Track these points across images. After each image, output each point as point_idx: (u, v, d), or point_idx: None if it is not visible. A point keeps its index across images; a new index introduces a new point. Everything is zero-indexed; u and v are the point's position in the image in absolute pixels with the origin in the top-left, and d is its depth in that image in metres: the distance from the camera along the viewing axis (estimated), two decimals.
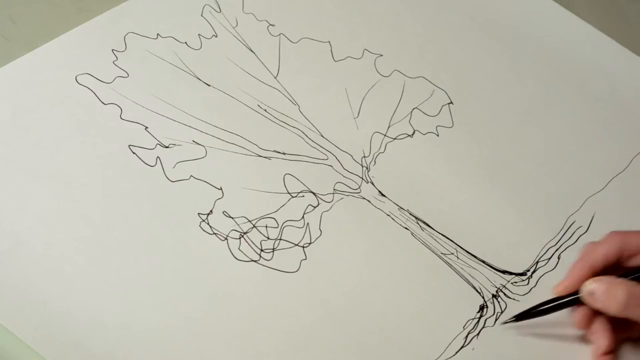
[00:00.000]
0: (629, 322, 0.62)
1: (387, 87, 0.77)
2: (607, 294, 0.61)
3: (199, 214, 0.67)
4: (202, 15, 0.78)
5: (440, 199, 0.71)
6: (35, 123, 0.69)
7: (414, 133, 0.75)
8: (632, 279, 0.62)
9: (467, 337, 0.64)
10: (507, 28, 0.84)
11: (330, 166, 0.71)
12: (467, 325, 0.65)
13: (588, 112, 0.79)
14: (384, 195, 0.70)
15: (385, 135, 0.74)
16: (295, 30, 0.79)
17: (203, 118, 0.72)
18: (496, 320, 0.65)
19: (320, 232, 0.68)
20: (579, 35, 0.84)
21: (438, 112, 0.76)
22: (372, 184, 0.71)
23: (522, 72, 0.81)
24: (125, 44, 0.75)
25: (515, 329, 0.65)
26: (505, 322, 0.65)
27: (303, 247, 0.67)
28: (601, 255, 0.63)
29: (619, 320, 0.63)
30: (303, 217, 0.68)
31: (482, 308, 0.66)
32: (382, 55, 0.79)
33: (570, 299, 0.63)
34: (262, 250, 0.66)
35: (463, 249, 0.68)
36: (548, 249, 0.70)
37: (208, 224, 0.67)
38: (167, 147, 0.70)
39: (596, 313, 0.63)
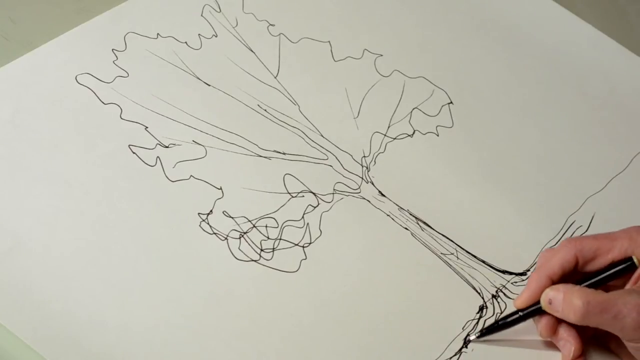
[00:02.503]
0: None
1: (387, 87, 0.77)
2: (565, 303, 0.61)
3: (199, 214, 0.67)
4: (202, 15, 0.79)
5: (440, 199, 0.71)
6: (35, 123, 0.69)
7: (414, 133, 0.75)
8: (589, 285, 0.62)
9: (466, 338, 0.64)
10: (507, 28, 0.84)
11: (330, 166, 0.71)
12: (466, 326, 0.65)
13: (588, 112, 0.79)
14: (383, 195, 0.70)
15: (385, 135, 0.74)
16: (295, 30, 0.79)
17: (203, 118, 0.72)
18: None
19: (320, 232, 0.68)
20: (579, 35, 0.84)
21: (438, 112, 0.77)
22: (372, 184, 0.71)
23: (522, 72, 0.81)
24: (125, 44, 0.75)
25: (512, 329, 0.65)
26: (470, 340, 0.64)
27: (303, 247, 0.67)
28: (557, 264, 0.63)
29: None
30: (303, 217, 0.68)
31: (481, 309, 0.66)
32: (382, 55, 0.79)
33: (532, 310, 0.63)
34: (262, 250, 0.66)
35: (463, 249, 0.68)
36: None
37: (208, 223, 0.67)
38: (167, 147, 0.70)
39: (559, 320, 0.63)
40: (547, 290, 0.62)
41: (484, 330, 0.64)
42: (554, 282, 0.63)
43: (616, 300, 0.60)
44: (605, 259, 0.63)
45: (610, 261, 0.63)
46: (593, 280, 0.63)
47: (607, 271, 0.63)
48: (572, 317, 0.61)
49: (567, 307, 0.61)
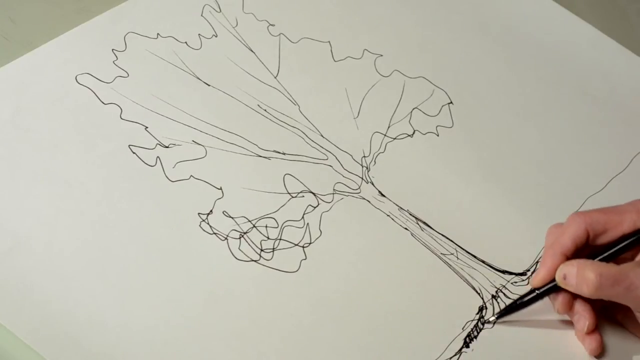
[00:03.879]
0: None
1: (387, 87, 0.77)
2: (578, 277, 0.62)
3: (199, 214, 0.67)
4: (202, 15, 0.79)
5: (440, 199, 0.71)
6: (35, 123, 0.69)
7: (414, 133, 0.75)
8: (602, 259, 0.64)
9: (466, 338, 0.64)
10: (507, 28, 0.84)
11: (330, 166, 0.72)
12: (466, 326, 0.65)
13: (588, 112, 0.79)
14: (383, 196, 0.70)
15: (385, 135, 0.74)
16: (295, 30, 0.79)
17: (203, 118, 0.72)
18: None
19: (320, 232, 0.68)
20: (579, 35, 0.84)
21: (438, 112, 0.77)
22: (372, 184, 0.71)
23: (522, 72, 0.81)
24: (125, 44, 0.75)
25: (513, 330, 0.65)
26: (488, 322, 0.65)
27: (303, 247, 0.67)
28: (570, 240, 0.64)
29: (599, 299, 0.63)
30: (303, 217, 0.68)
31: (481, 309, 0.66)
32: (382, 55, 0.79)
33: (548, 287, 0.64)
34: (262, 250, 0.66)
35: (463, 249, 0.68)
36: None
37: (208, 223, 0.67)
38: (167, 147, 0.70)
39: (574, 296, 0.64)
40: (562, 266, 0.63)
41: (502, 311, 0.65)
42: (567, 258, 0.64)
43: (628, 272, 0.61)
44: (615, 232, 0.64)
45: (620, 234, 0.64)
46: (605, 255, 0.64)
47: (619, 244, 0.64)
48: (585, 291, 0.62)
49: (581, 281, 0.62)
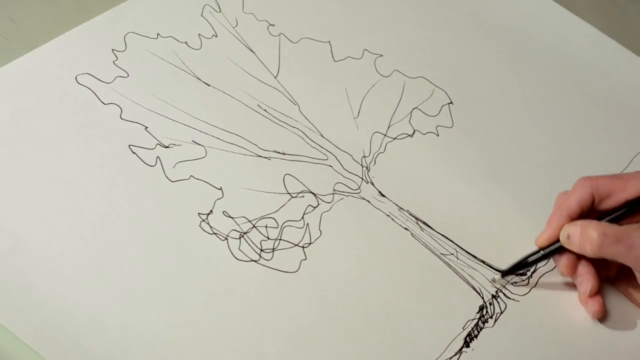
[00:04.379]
0: (607, 262, 0.65)
1: (387, 87, 0.77)
2: (581, 236, 0.64)
3: (199, 214, 0.67)
4: (202, 15, 0.79)
5: (440, 199, 0.71)
6: (35, 123, 0.69)
7: (414, 133, 0.75)
8: (607, 221, 0.65)
9: (466, 338, 0.64)
10: (507, 28, 0.84)
11: (330, 166, 0.72)
12: (466, 325, 0.65)
13: (588, 112, 0.79)
14: (383, 196, 0.70)
15: (385, 135, 0.74)
16: (295, 30, 0.79)
17: (203, 118, 0.72)
18: (495, 321, 0.65)
19: (320, 233, 0.68)
20: (579, 35, 0.84)
21: (438, 112, 0.77)
22: (372, 184, 0.71)
23: (522, 72, 0.81)
24: (125, 44, 0.75)
25: (513, 329, 0.65)
26: (494, 280, 0.67)
27: (303, 247, 0.67)
28: (576, 202, 0.65)
29: (599, 262, 0.65)
30: (303, 217, 0.68)
31: (481, 309, 0.66)
32: (382, 55, 0.79)
33: (553, 248, 0.66)
34: (262, 250, 0.66)
35: (463, 249, 0.69)
36: None
37: (208, 224, 0.67)
38: (167, 147, 0.70)
39: (578, 258, 0.65)
40: (566, 226, 0.65)
41: (507, 270, 0.66)
42: (573, 219, 0.65)
43: (630, 232, 0.63)
44: (620, 197, 0.66)
45: (624, 199, 0.66)
46: (609, 217, 0.65)
47: (623, 208, 0.65)
48: (588, 250, 0.64)
49: (584, 240, 0.64)
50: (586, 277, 0.65)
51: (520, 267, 0.67)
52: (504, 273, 0.67)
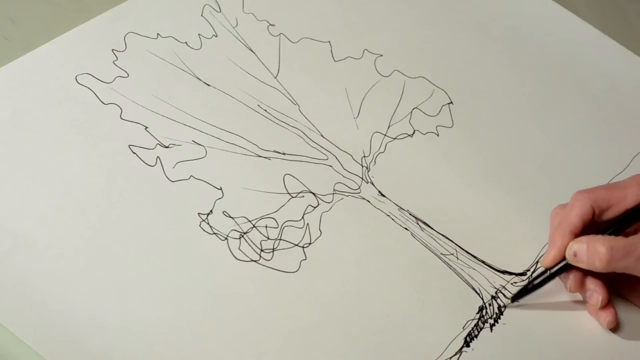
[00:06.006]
0: (611, 273, 0.65)
1: (387, 87, 0.77)
2: (589, 252, 0.63)
3: (199, 214, 0.67)
4: (202, 15, 0.79)
5: (440, 199, 0.71)
6: (35, 123, 0.69)
7: (414, 133, 0.75)
8: (610, 234, 0.65)
9: (466, 337, 0.64)
10: (507, 28, 0.84)
11: (330, 166, 0.72)
12: (466, 325, 0.65)
13: (588, 112, 0.79)
14: (383, 196, 0.70)
15: (385, 135, 0.74)
16: (295, 30, 0.79)
17: (203, 118, 0.72)
18: (495, 320, 0.65)
19: (320, 233, 0.68)
20: (579, 35, 0.84)
21: (438, 112, 0.77)
22: (372, 184, 0.71)
23: (522, 72, 0.81)
24: (125, 44, 0.75)
25: (513, 329, 0.65)
26: (505, 307, 0.66)
27: (303, 247, 0.67)
28: (577, 218, 0.65)
29: (607, 275, 0.65)
30: (303, 217, 0.68)
31: (481, 309, 0.66)
32: (382, 55, 0.79)
33: (559, 267, 0.65)
34: (262, 250, 0.66)
35: (463, 250, 0.68)
36: None
37: (208, 224, 0.67)
38: (167, 147, 0.70)
39: (585, 273, 0.65)
40: (571, 244, 0.64)
41: (516, 295, 0.66)
42: (576, 236, 0.65)
43: (637, 243, 0.63)
44: (619, 208, 0.65)
45: (624, 209, 0.65)
46: (612, 229, 0.65)
47: (625, 218, 0.65)
48: (597, 265, 0.63)
49: (592, 256, 0.63)
50: (595, 290, 0.65)
51: (529, 291, 0.66)
52: (513, 298, 0.66)
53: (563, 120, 0.78)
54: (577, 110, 0.79)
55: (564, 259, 0.65)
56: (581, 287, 0.65)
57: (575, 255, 0.64)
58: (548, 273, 0.65)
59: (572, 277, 0.65)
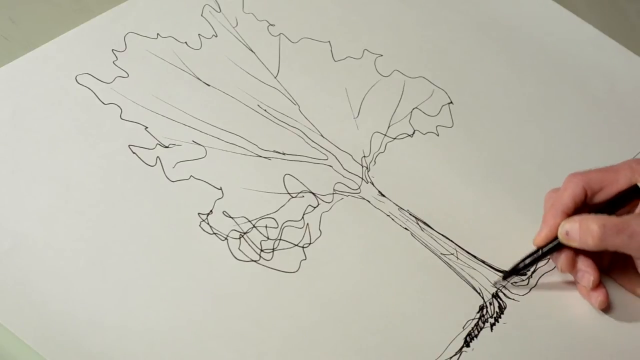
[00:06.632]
0: (600, 254, 0.66)
1: (387, 87, 0.77)
2: (581, 230, 0.64)
3: (199, 214, 0.67)
4: (202, 15, 0.79)
5: (440, 199, 0.71)
6: (35, 123, 0.69)
7: (414, 133, 0.75)
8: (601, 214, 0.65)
9: (466, 337, 0.64)
10: (507, 28, 0.84)
11: (330, 166, 0.72)
12: (466, 325, 0.65)
13: (588, 112, 0.79)
14: (383, 196, 0.70)
15: (385, 135, 0.74)
16: (295, 30, 0.79)
17: (203, 118, 0.72)
18: (495, 320, 0.65)
19: (320, 233, 0.68)
20: (579, 35, 0.84)
21: (438, 112, 0.77)
22: (372, 184, 0.71)
23: (522, 72, 0.81)
24: (125, 44, 0.75)
25: (513, 329, 0.65)
26: (496, 283, 0.67)
27: (303, 247, 0.67)
28: (569, 198, 0.66)
29: (595, 255, 0.65)
30: (303, 217, 0.68)
31: (481, 308, 0.66)
32: (382, 55, 0.79)
33: (551, 246, 0.66)
34: (262, 250, 0.66)
35: (463, 249, 0.69)
36: None
37: (208, 224, 0.67)
38: (167, 147, 0.70)
39: (577, 254, 0.66)
40: (563, 223, 0.65)
41: (507, 272, 0.67)
42: (568, 216, 0.65)
43: (630, 221, 0.63)
44: (612, 190, 0.66)
45: (616, 191, 0.66)
46: (604, 211, 0.65)
47: (616, 200, 0.66)
48: (590, 243, 0.64)
49: (585, 234, 0.64)
50: (587, 271, 0.65)
51: (521, 269, 0.66)
52: (505, 275, 0.67)
53: (563, 120, 0.78)
54: (577, 110, 0.79)
55: (556, 238, 0.65)
56: (572, 267, 0.66)
57: (567, 234, 0.65)
58: (540, 252, 0.66)
59: (564, 256, 0.65)
